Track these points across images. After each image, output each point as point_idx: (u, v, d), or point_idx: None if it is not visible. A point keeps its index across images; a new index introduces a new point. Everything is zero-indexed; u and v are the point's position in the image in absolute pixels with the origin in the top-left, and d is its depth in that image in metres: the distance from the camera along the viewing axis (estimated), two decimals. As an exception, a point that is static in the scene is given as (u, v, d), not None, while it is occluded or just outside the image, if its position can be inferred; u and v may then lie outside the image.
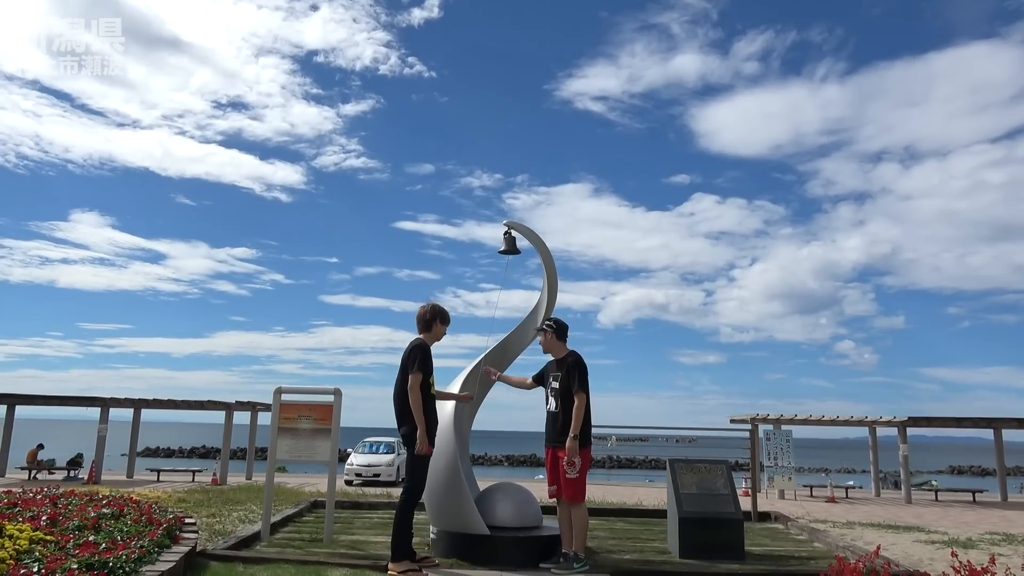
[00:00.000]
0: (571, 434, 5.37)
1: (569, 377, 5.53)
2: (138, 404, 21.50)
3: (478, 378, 6.66)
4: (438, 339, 5.76)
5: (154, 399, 21.33)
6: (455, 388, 6.59)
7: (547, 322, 5.93)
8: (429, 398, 5.45)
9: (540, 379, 5.90)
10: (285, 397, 7.40)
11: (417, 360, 5.29)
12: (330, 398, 7.40)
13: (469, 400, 6.36)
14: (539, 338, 5.97)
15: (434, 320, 5.64)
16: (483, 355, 6.84)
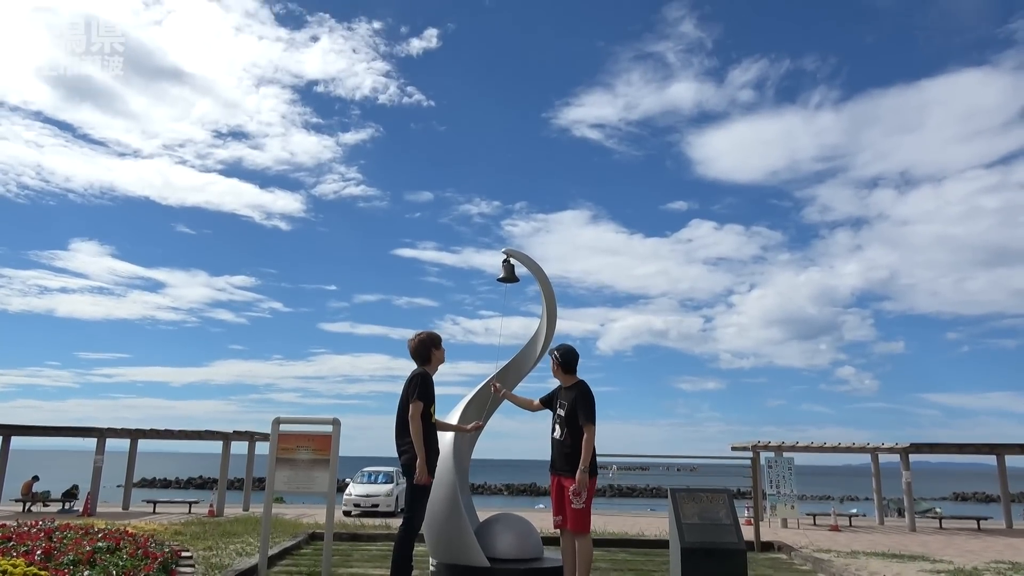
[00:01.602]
0: (581, 467, 5.27)
1: (576, 407, 5.41)
2: (135, 434, 21.31)
3: (484, 402, 6.56)
4: (439, 364, 5.65)
5: (151, 429, 21.16)
6: (455, 417, 6.52)
7: (554, 352, 5.81)
8: (430, 427, 5.36)
9: (548, 403, 5.77)
10: (284, 428, 7.28)
11: (418, 389, 5.20)
12: (329, 428, 7.27)
13: (478, 430, 6.20)
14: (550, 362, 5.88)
15: (429, 350, 5.50)
16: (481, 384, 6.75)
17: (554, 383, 5.87)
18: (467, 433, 6.20)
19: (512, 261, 6.99)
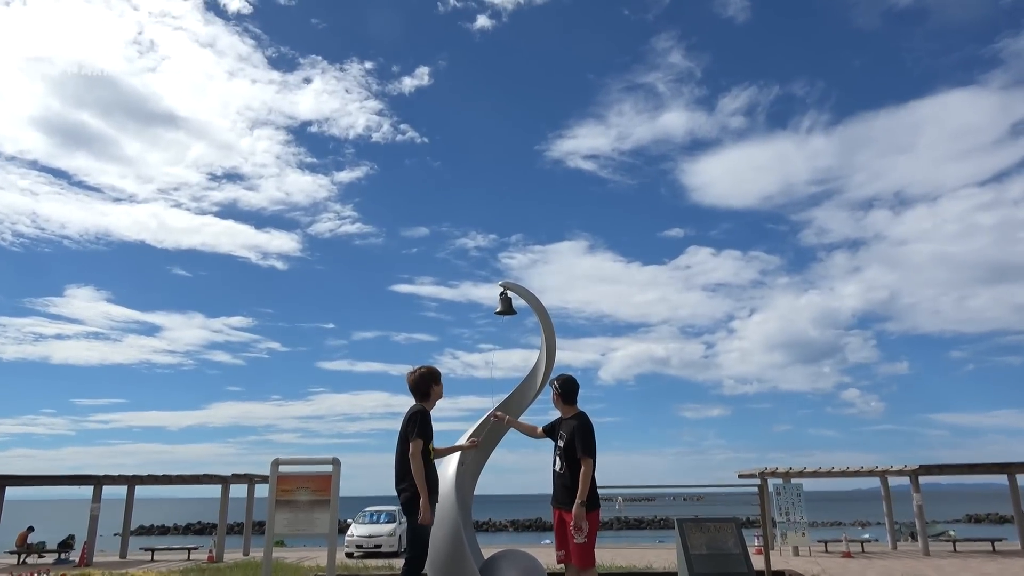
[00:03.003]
0: (577, 500, 5.20)
1: (574, 438, 5.35)
2: (132, 481, 21.01)
3: (484, 431, 6.48)
4: (438, 399, 5.60)
5: (148, 475, 20.86)
6: (453, 458, 6.38)
7: (554, 382, 5.78)
8: (430, 465, 5.31)
9: (550, 432, 5.73)
10: (283, 469, 7.19)
11: (417, 426, 5.12)
12: (329, 468, 7.16)
13: (475, 448, 6.10)
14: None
15: (429, 385, 5.44)
16: (482, 419, 6.65)
17: (557, 414, 5.78)
18: (466, 451, 6.12)
19: (509, 294, 6.98)
